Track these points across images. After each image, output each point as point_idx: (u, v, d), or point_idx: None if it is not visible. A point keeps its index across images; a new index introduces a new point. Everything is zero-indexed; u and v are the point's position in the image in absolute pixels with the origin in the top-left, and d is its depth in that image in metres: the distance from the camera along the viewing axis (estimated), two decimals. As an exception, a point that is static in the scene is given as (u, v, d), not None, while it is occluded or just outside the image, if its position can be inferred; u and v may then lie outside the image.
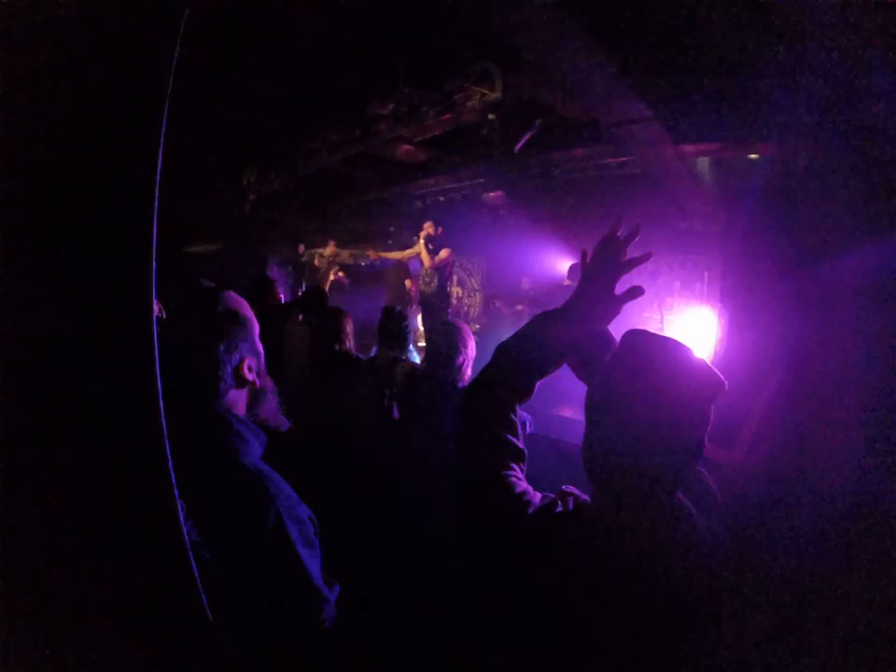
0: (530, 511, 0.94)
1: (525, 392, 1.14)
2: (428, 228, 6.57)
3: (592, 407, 0.93)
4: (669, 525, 0.87)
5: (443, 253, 6.59)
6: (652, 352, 0.90)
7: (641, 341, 0.93)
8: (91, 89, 0.66)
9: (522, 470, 1.04)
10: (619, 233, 1.15)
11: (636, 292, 1.09)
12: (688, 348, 0.90)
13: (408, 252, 7.16)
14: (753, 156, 4.26)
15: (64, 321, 0.66)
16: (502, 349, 1.15)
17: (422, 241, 6.56)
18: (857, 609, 0.89)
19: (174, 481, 0.70)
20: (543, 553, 0.91)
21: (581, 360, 1.15)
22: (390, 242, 8.47)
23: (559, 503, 0.98)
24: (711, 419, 0.87)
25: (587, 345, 1.12)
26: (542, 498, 0.99)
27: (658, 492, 0.87)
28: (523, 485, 0.99)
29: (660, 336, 0.92)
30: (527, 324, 1.15)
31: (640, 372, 0.87)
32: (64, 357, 0.66)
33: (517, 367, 1.13)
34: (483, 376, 1.14)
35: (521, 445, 1.07)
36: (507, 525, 0.95)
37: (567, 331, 1.12)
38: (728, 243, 4.44)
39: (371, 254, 7.30)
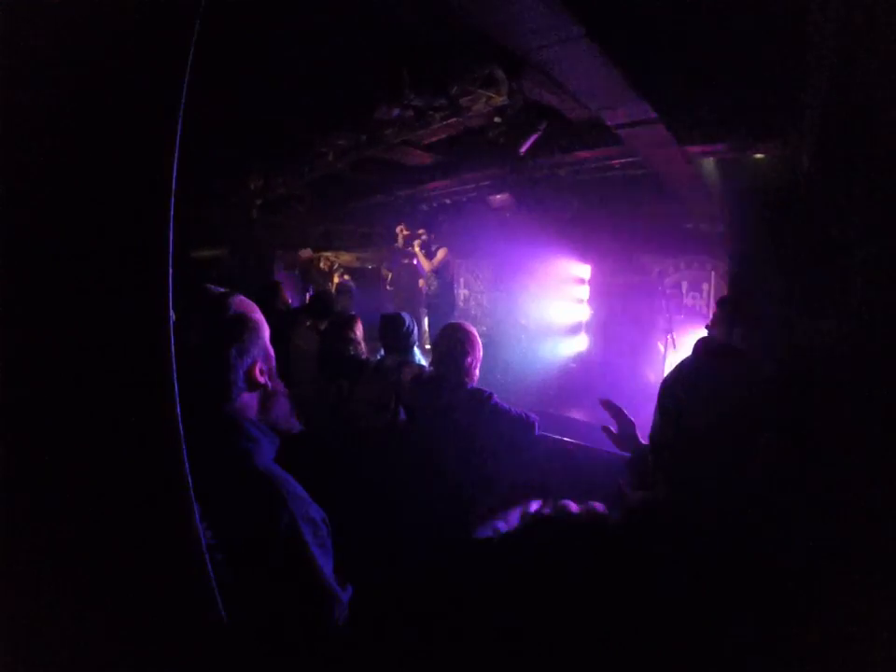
0: None
1: None
2: (422, 235, 6.73)
3: (668, 404, 1.03)
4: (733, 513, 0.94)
5: (440, 254, 6.70)
6: (722, 355, 1.04)
7: (711, 345, 1.09)
8: (106, 98, 0.68)
9: None
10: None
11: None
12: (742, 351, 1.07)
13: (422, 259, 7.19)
14: (759, 156, 4.25)
15: (83, 327, 0.67)
16: None
17: (417, 249, 6.68)
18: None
19: (190, 483, 0.72)
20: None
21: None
22: (395, 245, 8.51)
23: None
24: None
25: None
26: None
27: (728, 482, 0.95)
28: None
29: (725, 343, 1.06)
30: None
31: (714, 371, 1.00)
32: (84, 363, 0.67)
33: None
34: None
35: None
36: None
37: None
38: (733, 243, 4.43)
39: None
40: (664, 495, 1.01)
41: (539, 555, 0.95)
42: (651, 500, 1.02)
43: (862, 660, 0.80)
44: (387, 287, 8.27)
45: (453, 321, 2.71)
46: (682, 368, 1.05)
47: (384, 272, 8.21)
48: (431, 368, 2.63)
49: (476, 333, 2.53)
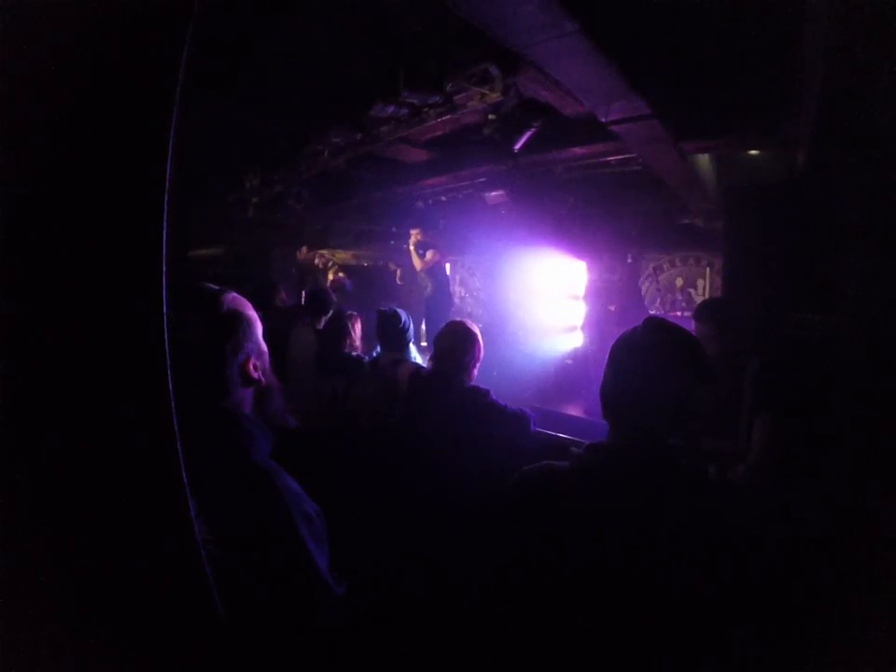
0: None
1: None
2: (416, 235, 6.79)
3: (613, 361, 1.26)
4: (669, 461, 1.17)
5: (429, 255, 6.80)
6: (662, 330, 1.24)
7: (655, 323, 1.27)
8: (101, 95, 0.68)
9: None
10: None
11: None
12: (682, 329, 1.26)
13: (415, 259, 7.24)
14: (754, 153, 4.26)
15: (78, 325, 0.67)
16: None
17: (412, 248, 6.72)
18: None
19: (185, 479, 0.72)
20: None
21: None
22: (392, 242, 8.49)
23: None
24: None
25: None
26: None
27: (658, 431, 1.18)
28: None
29: (669, 322, 1.28)
30: None
31: (650, 343, 1.22)
32: (80, 361, 0.67)
33: None
34: None
35: None
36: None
37: None
38: (729, 239, 4.44)
39: (391, 266, 7.44)
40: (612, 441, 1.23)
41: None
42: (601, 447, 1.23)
43: (862, 659, 0.81)
44: (398, 282, 8.25)
45: (456, 319, 2.70)
46: (625, 335, 1.27)
47: (391, 266, 8.20)
48: (431, 364, 2.63)
49: (478, 333, 2.53)
